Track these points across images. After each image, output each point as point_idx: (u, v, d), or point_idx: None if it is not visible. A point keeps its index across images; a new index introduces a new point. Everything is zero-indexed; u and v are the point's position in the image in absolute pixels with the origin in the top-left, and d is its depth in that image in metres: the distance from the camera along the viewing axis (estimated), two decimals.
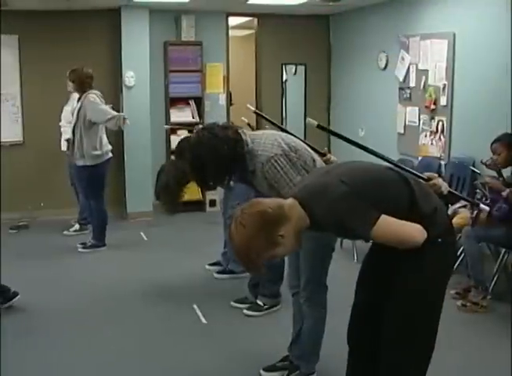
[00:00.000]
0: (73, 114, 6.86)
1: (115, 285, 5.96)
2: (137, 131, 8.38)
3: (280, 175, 3.37)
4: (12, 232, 7.97)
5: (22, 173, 8.53)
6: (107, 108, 6.78)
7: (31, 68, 8.43)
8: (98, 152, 6.79)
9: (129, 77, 8.42)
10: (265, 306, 5.15)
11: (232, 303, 5.36)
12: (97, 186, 6.97)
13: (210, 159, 3.40)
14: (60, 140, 7.69)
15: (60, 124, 7.70)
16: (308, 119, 3.22)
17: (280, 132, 3.70)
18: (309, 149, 3.62)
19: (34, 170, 8.58)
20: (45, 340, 4.74)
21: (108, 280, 6.10)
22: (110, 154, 7.05)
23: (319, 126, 3.27)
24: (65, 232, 7.84)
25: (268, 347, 4.48)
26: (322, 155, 3.69)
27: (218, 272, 6.12)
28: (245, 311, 5.15)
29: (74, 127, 6.77)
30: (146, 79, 8.50)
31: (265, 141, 3.49)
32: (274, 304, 5.18)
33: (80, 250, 7.08)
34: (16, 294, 5.32)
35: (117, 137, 8.25)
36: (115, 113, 6.77)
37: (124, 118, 6.77)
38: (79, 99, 6.84)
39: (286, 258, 4.80)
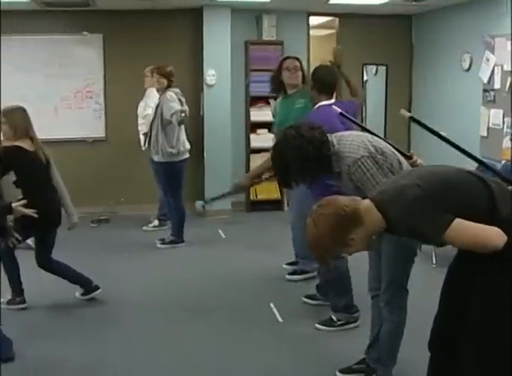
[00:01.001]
0: (156, 110, 6.94)
1: (193, 282, 6.04)
2: (217, 129, 8.50)
3: (367, 177, 3.34)
4: (94, 225, 8.18)
5: (104, 168, 8.74)
6: (175, 105, 6.81)
7: (115, 66, 8.63)
8: (173, 150, 6.86)
9: (210, 75, 8.51)
10: (339, 322, 4.87)
11: (303, 298, 5.39)
12: (174, 184, 7.07)
13: (295, 158, 3.40)
14: (139, 137, 7.82)
15: (139, 122, 7.81)
16: (402, 110, 3.19)
17: (366, 134, 3.66)
18: (395, 151, 3.56)
19: (115, 166, 8.77)
20: (124, 333, 4.86)
21: (186, 277, 6.19)
22: (187, 154, 7.13)
23: (411, 118, 3.22)
24: (144, 227, 7.98)
25: (345, 348, 4.45)
26: (408, 158, 3.61)
27: (289, 274, 6.04)
28: (316, 325, 4.89)
29: (152, 123, 6.89)
30: (226, 78, 8.57)
31: (351, 142, 3.46)
32: (350, 320, 4.87)
33: (158, 245, 7.19)
34: (97, 287, 5.47)
35: (197, 135, 8.37)
36: (178, 107, 6.81)
37: (181, 112, 6.82)
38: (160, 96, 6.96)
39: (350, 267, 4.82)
